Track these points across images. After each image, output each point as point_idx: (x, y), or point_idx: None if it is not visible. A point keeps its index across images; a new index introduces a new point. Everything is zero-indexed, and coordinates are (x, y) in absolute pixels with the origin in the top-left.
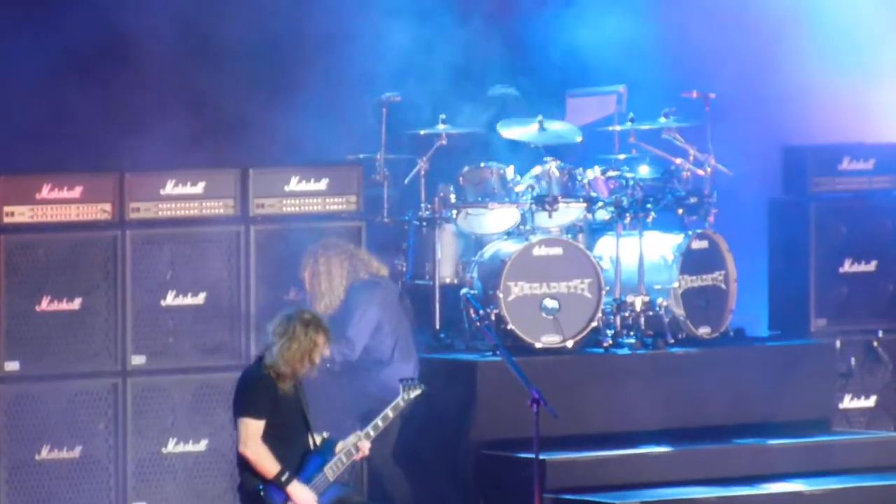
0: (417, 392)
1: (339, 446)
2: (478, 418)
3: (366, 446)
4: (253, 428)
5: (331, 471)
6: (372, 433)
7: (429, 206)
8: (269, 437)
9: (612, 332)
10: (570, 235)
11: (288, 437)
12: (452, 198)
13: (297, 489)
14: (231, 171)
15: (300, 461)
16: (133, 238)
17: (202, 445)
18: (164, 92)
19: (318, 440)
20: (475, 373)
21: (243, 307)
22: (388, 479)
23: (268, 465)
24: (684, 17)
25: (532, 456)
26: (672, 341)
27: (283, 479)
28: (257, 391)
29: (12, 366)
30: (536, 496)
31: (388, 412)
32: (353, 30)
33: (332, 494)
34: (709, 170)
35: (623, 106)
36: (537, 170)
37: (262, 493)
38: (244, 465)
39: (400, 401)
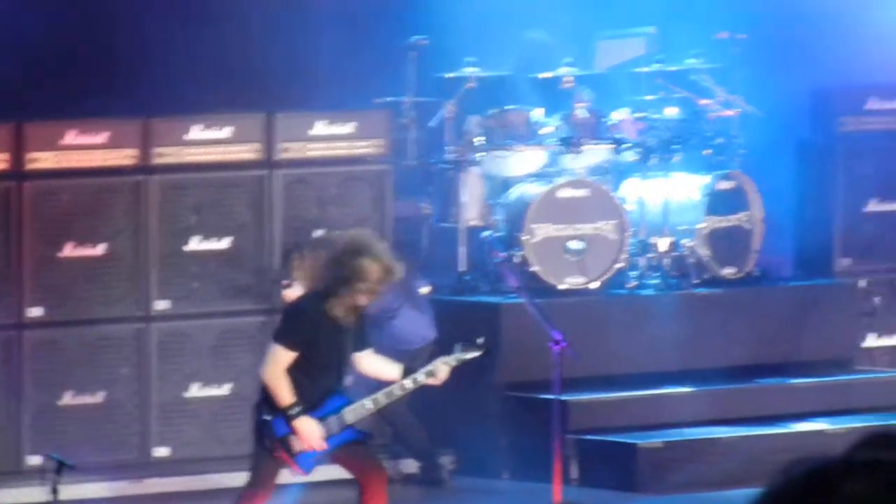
0: (475, 354)
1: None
2: (501, 360)
3: (444, 371)
4: (280, 356)
5: (350, 413)
6: (451, 364)
7: (455, 148)
8: (297, 368)
9: (637, 273)
10: (596, 177)
11: (315, 375)
12: (479, 140)
13: (303, 423)
14: (257, 116)
15: (320, 399)
16: (158, 183)
17: (225, 390)
18: (190, 36)
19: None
20: (499, 315)
21: (267, 252)
22: (402, 427)
23: (282, 394)
24: None
25: (554, 397)
26: (697, 282)
27: (291, 412)
28: (299, 323)
29: (36, 312)
30: (558, 437)
31: (449, 360)
32: None
33: (346, 437)
34: (737, 111)
35: (653, 48)
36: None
37: (268, 421)
38: (264, 390)
39: (453, 359)
